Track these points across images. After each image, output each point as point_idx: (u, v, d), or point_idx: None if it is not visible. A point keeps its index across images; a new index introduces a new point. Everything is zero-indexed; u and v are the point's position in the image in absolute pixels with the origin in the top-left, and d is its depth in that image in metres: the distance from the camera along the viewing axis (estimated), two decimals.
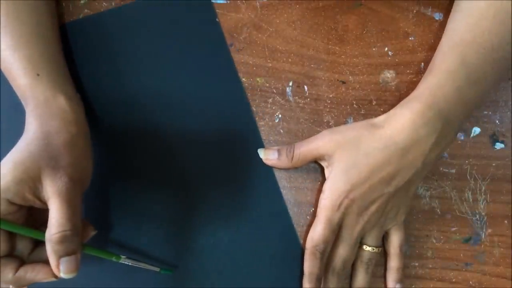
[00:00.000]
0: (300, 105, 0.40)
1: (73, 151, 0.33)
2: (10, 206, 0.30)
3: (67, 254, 0.30)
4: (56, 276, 0.31)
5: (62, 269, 0.30)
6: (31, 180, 0.30)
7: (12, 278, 0.31)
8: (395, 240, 0.37)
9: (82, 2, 0.41)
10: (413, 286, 0.38)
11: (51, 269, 0.31)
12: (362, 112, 0.39)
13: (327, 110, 0.39)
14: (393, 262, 0.37)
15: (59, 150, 0.33)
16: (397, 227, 0.36)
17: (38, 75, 0.35)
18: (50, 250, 0.30)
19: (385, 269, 0.38)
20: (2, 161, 0.31)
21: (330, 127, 0.39)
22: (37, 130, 0.33)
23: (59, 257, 0.30)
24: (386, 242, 0.37)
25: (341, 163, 0.34)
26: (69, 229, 0.30)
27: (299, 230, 0.38)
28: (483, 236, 0.38)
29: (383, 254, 0.38)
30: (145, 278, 0.38)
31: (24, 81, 0.35)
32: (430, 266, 0.38)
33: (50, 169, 0.31)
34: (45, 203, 0.31)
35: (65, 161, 0.32)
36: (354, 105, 0.39)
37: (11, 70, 0.35)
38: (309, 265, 0.35)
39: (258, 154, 0.38)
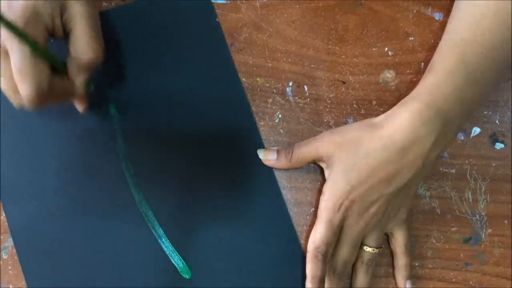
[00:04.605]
0: (300, 105, 0.40)
1: None
2: (46, 34, 0.31)
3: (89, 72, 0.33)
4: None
5: (80, 81, 0.33)
6: (59, 4, 0.31)
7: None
8: (400, 239, 0.37)
9: None
10: (413, 286, 0.38)
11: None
12: (362, 112, 0.39)
13: (327, 110, 0.39)
14: (401, 260, 0.37)
15: None
16: (400, 226, 0.36)
17: None
18: (76, 71, 0.32)
19: (393, 268, 0.38)
20: None
21: (330, 127, 0.39)
22: None
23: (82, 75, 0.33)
24: (391, 241, 0.37)
25: (340, 164, 0.34)
26: (99, 54, 0.33)
27: (299, 230, 0.38)
28: (483, 236, 0.38)
29: (384, 254, 0.38)
30: (145, 278, 0.38)
31: None
32: (430, 266, 0.38)
33: None
34: (64, 32, 0.32)
35: None
36: (354, 105, 0.39)
37: None
38: (312, 268, 0.34)
39: (258, 154, 0.38)
